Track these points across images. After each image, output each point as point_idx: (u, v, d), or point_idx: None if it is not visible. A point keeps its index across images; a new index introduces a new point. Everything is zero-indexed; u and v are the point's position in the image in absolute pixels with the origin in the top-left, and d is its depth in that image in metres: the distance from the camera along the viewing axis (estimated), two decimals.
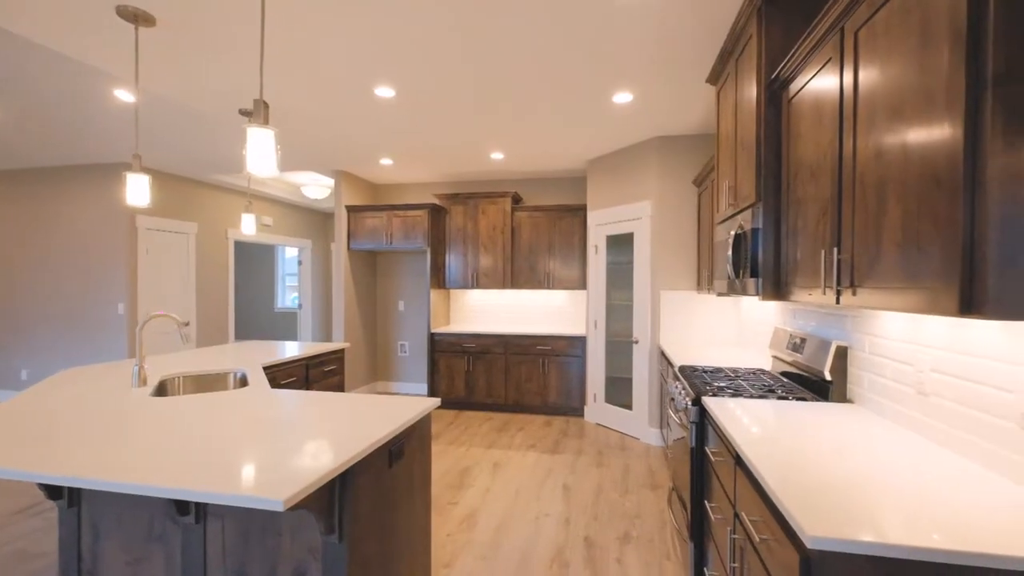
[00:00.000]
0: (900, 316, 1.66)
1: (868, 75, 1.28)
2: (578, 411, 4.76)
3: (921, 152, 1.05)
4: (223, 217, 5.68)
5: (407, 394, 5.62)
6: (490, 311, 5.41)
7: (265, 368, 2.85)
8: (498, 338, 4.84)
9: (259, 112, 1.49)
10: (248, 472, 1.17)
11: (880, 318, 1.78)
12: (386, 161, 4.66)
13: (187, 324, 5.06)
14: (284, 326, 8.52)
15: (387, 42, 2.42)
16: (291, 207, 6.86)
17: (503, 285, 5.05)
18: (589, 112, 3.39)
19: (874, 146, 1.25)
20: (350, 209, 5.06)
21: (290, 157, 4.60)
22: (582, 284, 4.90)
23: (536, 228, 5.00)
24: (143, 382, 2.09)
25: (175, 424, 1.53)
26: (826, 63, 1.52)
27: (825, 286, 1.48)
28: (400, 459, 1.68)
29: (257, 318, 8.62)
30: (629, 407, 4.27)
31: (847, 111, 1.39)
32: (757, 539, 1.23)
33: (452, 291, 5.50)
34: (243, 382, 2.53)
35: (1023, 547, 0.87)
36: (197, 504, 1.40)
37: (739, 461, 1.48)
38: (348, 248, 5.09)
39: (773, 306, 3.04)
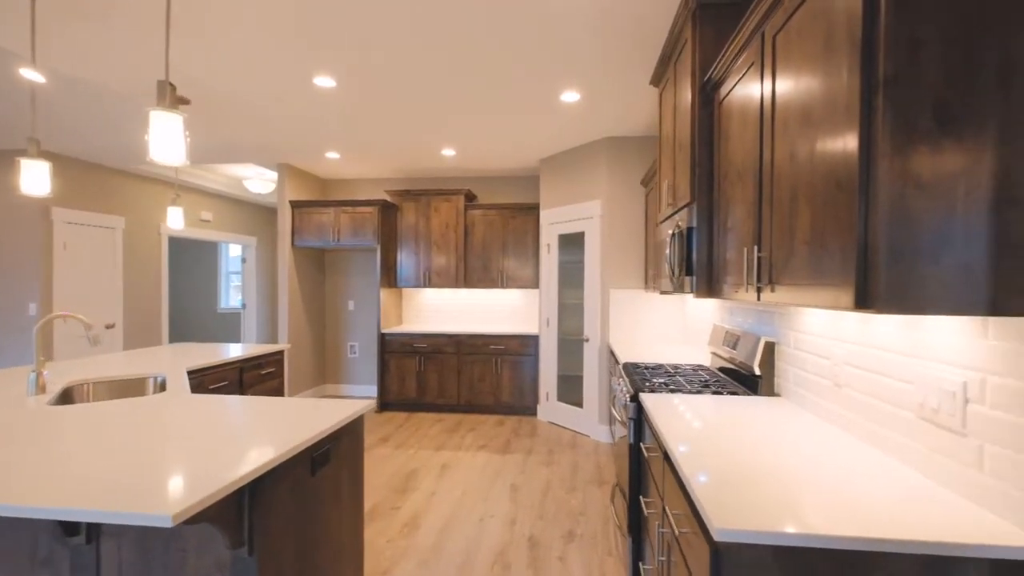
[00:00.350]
0: (820, 312, 1.73)
1: (784, 79, 1.32)
2: (531, 410, 4.76)
3: (826, 154, 1.09)
4: (155, 211, 5.32)
5: (356, 396, 5.45)
6: (443, 310, 5.34)
7: (192, 372, 2.67)
8: (450, 338, 4.78)
9: (164, 94, 1.38)
10: (139, 485, 1.07)
11: (804, 314, 1.85)
12: (332, 155, 4.49)
13: (112, 326, 4.71)
14: (228, 327, 8.10)
15: (324, 28, 2.32)
16: (234, 202, 6.52)
17: (456, 284, 4.98)
18: (538, 110, 3.38)
19: (788, 148, 1.29)
20: (295, 204, 4.85)
21: (229, 149, 4.35)
22: (536, 283, 4.90)
23: (490, 226, 4.97)
24: (41, 390, 1.90)
25: (69, 435, 1.40)
26: (750, 67, 1.56)
27: (747, 283, 1.52)
28: (326, 465, 1.60)
29: (199, 319, 8.15)
30: (580, 405, 4.31)
31: (766, 114, 1.43)
32: (677, 532, 1.25)
33: (404, 290, 5.38)
34: (164, 387, 2.36)
35: (913, 531, 0.91)
36: (89, 523, 1.28)
37: (667, 456, 1.50)
38: (293, 245, 4.88)
39: (713, 304, 3.14)
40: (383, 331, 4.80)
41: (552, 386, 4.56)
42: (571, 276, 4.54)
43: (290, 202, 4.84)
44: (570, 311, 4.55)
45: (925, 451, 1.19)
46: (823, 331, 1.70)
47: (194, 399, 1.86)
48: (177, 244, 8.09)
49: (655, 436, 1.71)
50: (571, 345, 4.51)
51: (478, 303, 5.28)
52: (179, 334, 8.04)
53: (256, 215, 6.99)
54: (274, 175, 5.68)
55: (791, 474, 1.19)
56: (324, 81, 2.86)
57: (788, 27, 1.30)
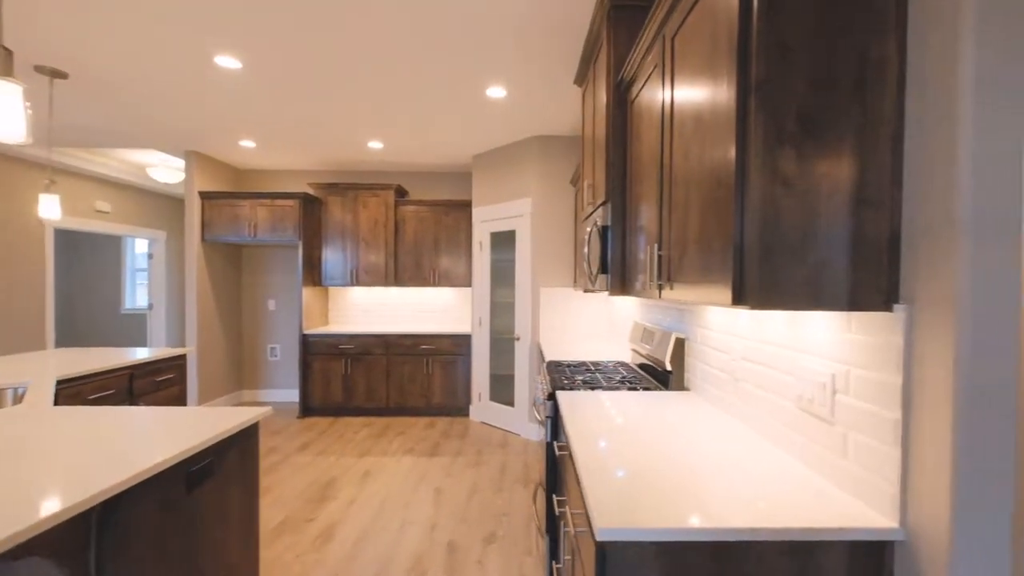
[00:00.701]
0: (721, 309, 1.80)
1: (680, 80, 1.35)
2: (464, 411, 4.69)
3: (711, 155, 1.11)
4: (34, 199, 4.70)
5: (277, 402, 5.13)
6: (373, 310, 5.14)
7: (67, 381, 2.36)
8: (379, 338, 4.60)
9: None
10: None
11: (708, 311, 1.92)
12: (247, 143, 4.18)
13: None
14: (133, 330, 7.36)
15: (221, 3, 2.12)
16: (138, 191, 5.91)
17: (386, 283, 4.81)
18: (465, 104, 3.32)
19: (684, 149, 1.31)
20: (205, 195, 4.47)
21: (125, 133, 3.92)
22: (469, 282, 4.84)
23: (422, 223, 4.84)
24: None
25: None
26: (654, 68, 1.59)
27: (650, 281, 1.54)
28: (208, 480, 1.45)
29: (99, 321, 7.34)
30: (512, 404, 4.30)
31: (666, 114, 1.45)
32: (574, 532, 1.23)
33: (331, 289, 5.13)
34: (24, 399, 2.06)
35: (784, 519, 0.95)
36: None
37: (572, 454, 1.49)
38: (203, 240, 4.49)
39: (634, 301, 3.23)
40: (305, 332, 4.54)
41: (485, 386, 4.52)
42: (503, 274, 4.52)
43: (200, 193, 4.45)
44: (502, 310, 4.53)
45: (804, 441, 1.25)
46: (724, 327, 1.77)
47: (54, 412, 1.63)
48: (70, 237, 7.24)
49: (565, 433, 1.70)
50: (503, 344, 4.49)
51: (410, 302, 5.14)
52: (75, 337, 7.20)
53: (165, 207, 6.39)
54: (182, 163, 5.20)
55: (685, 469, 1.21)
56: (227, 62, 2.63)
57: (683, 29, 1.32)
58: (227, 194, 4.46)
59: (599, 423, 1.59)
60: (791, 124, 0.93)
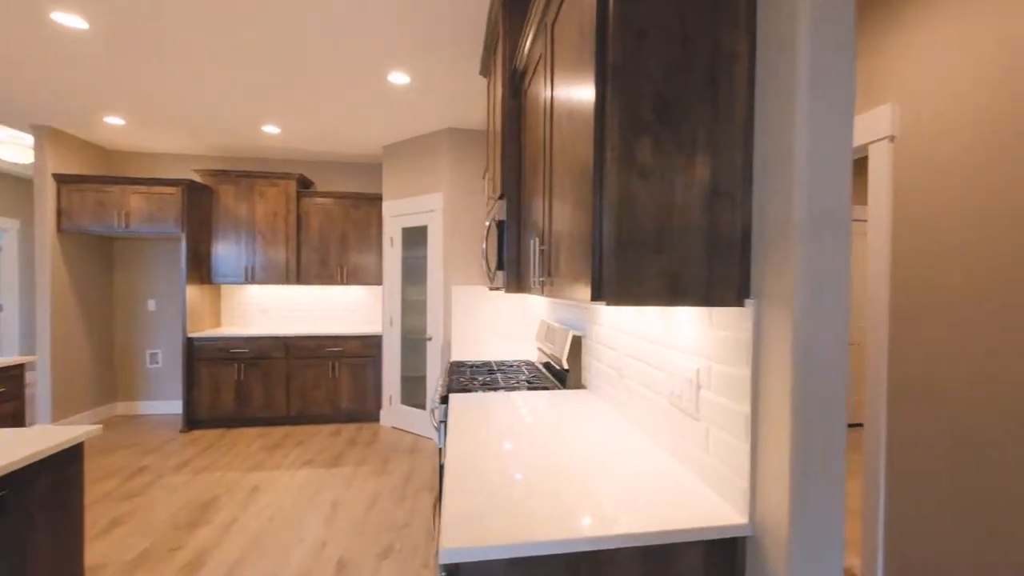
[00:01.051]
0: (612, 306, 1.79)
1: (559, 69, 1.30)
2: (374, 416, 4.46)
3: (578, 146, 1.06)
4: None
5: (159, 414, 4.56)
6: (272, 310, 4.73)
7: None
8: (278, 340, 4.23)
9: None
10: None
11: (601, 309, 1.92)
12: (114, 120, 3.64)
13: None
14: None
15: None
16: None
17: (288, 281, 4.44)
18: (367, 89, 3.12)
19: (560, 140, 1.27)
20: (61, 179, 3.84)
21: None
22: (380, 279, 4.60)
23: (328, 217, 4.52)
24: None
25: None
26: (539, 57, 1.54)
27: (533, 278, 1.49)
28: (9, 515, 1.18)
29: None
30: (423, 407, 4.14)
31: (548, 104, 1.41)
32: (436, 550, 1.14)
33: (224, 287, 4.65)
34: None
35: (642, 524, 0.91)
36: None
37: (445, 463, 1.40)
38: (60, 230, 3.86)
39: (544, 299, 3.21)
40: (191, 335, 4.06)
41: (396, 388, 4.32)
42: (415, 272, 4.35)
43: (54, 176, 3.82)
44: (415, 308, 4.36)
45: (677, 437, 1.25)
46: (613, 324, 1.77)
47: None
48: None
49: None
50: (415, 344, 4.32)
51: (315, 302, 4.79)
52: None
53: (16, 191, 5.46)
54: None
55: (562, 473, 1.16)
56: (68, 20, 2.24)
57: (560, 16, 1.28)
58: (90, 178, 3.86)
59: (486, 427, 1.51)
60: (647, 113, 0.90)
